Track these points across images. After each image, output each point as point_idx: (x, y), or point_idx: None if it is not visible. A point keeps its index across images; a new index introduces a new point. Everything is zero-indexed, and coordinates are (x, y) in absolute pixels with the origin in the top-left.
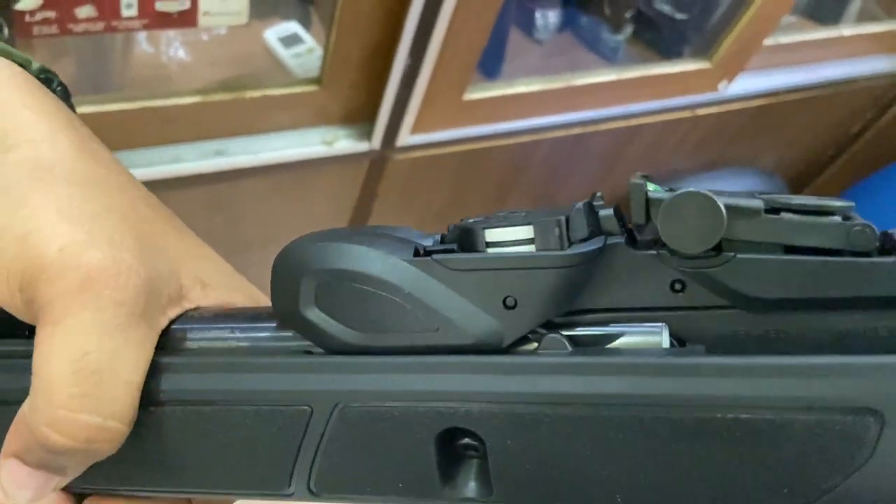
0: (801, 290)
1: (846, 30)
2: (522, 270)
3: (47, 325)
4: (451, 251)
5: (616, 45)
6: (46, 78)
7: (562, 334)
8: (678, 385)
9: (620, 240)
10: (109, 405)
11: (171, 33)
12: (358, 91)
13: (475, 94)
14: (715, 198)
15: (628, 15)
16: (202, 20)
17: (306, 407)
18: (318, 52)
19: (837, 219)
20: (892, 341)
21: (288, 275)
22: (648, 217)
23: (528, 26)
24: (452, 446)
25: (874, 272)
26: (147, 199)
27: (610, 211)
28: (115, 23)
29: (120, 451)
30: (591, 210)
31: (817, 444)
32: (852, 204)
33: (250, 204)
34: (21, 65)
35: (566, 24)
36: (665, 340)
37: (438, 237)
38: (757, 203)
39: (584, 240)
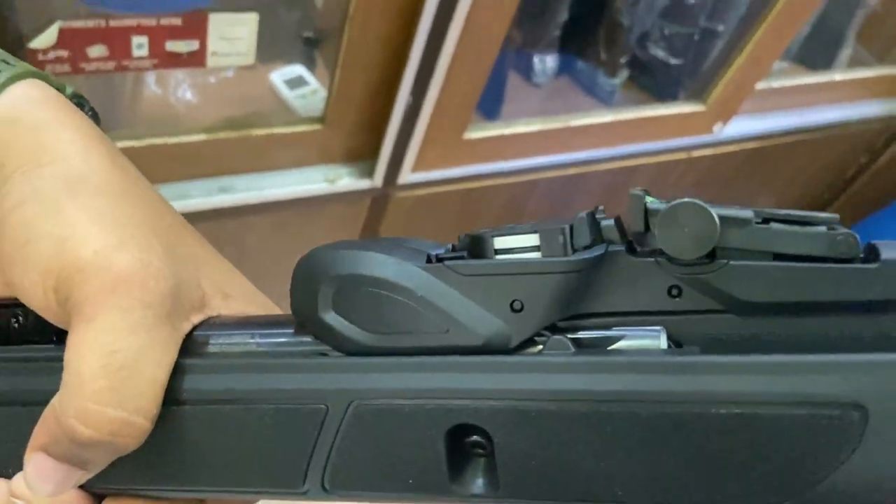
0: (789, 295)
1: (838, 75)
2: (529, 275)
3: (80, 323)
4: (462, 258)
5: (612, 88)
6: (79, 102)
7: (566, 337)
8: (675, 382)
9: (621, 248)
10: (134, 400)
11: (179, 76)
12: (360, 130)
13: (475, 134)
14: (708, 207)
15: (623, 60)
16: (210, 60)
17: (322, 405)
18: (322, 93)
19: (822, 228)
20: (877, 343)
21: (307, 281)
22: (647, 226)
23: (526, 71)
24: (461, 444)
25: (858, 277)
26: (171, 212)
27: (611, 221)
28: (126, 62)
29: (140, 450)
30: (593, 220)
31: (806, 437)
32: (836, 217)
33: (254, 240)
34: (56, 89)
35: (563, 68)
36: (663, 342)
37: (450, 246)
38: (747, 213)
39: (587, 247)
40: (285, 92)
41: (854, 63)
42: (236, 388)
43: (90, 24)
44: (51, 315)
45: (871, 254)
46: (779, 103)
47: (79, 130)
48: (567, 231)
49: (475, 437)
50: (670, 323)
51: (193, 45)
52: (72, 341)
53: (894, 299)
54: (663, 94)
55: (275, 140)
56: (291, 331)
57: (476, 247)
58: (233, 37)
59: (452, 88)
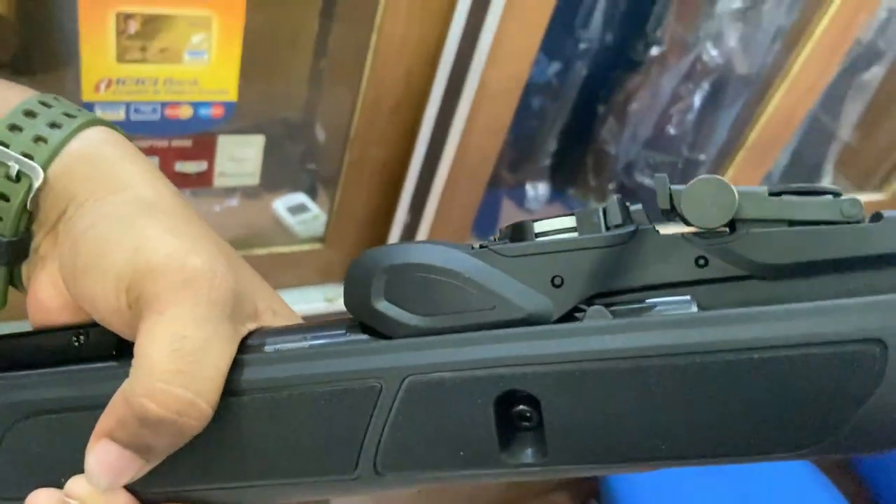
0: (807, 255)
1: None
2: (568, 252)
3: (152, 315)
4: (505, 243)
5: None
6: None
7: (604, 307)
8: (708, 333)
9: (650, 226)
10: (200, 384)
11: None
12: (360, 249)
13: None
14: (725, 180)
15: (612, 186)
16: (217, 181)
17: (376, 383)
18: (323, 218)
19: (829, 197)
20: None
21: (360, 274)
22: (672, 204)
23: (519, 198)
24: (509, 415)
25: (866, 234)
26: (224, 241)
27: (639, 206)
28: None
29: (193, 447)
30: (623, 204)
31: (833, 374)
32: (839, 188)
33: None
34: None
35: (555, 195)
36: (693, 309)
37: (491, 238)
38: (761, 188)
39: (619, 226)
40: (287, 218)
41: None
42: (292, 374)
43: None
44: (119, 319)
45: (876, 216)
46: None
47: (144, 166)
48: (601, 212)
49: (522, 407)
50: (699, 292)
51: (202, 165)
52: (143, 331)
53: None
54: (652, 217)
55: (276, 259)
56: (343, 331)
57: (517, 233)
58: (240, 157)
59: (448, 207)
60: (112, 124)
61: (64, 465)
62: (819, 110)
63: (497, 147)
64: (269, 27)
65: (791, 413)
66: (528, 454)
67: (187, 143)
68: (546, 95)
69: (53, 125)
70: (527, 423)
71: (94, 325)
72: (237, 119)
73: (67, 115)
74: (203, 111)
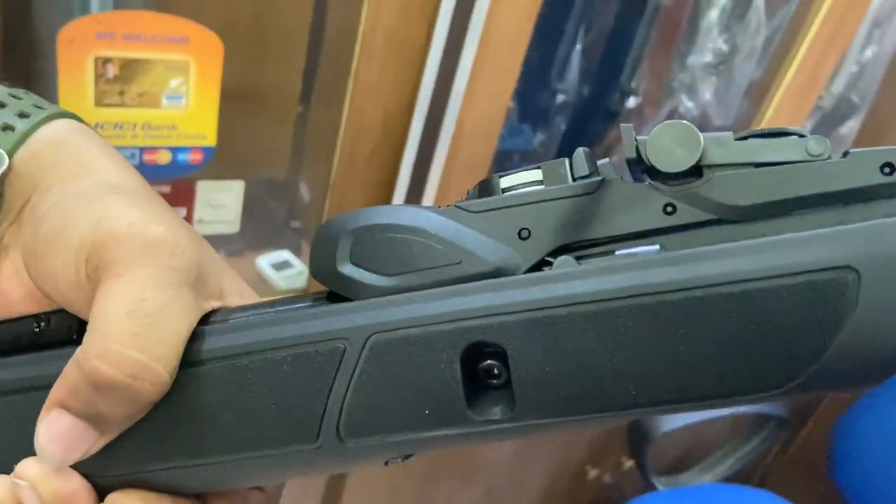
0: (774, 194)
1: None
2: (533, 205)
3: (109, 279)
4: (472, 200)
5: None
6: None
7: (572, 258)
8: (676, 272)
9: (616, 176)
10: (156, 347)
11: None
12: None
13: None
14: (690, 124)
15: None
16: (196, 227)
17: (340, 344)
18: (307, 272)
19: (794, 137)
20: None
21: (326, 240)
22: (638, 154)
23: None
24: (476, 372)
25: (833, 171)
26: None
27: (606, 160)
28: None
29: (152, 423)
30: (589, 156)
31: (807, 304)
32: (804, 131)
33: None
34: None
35: None
36: None
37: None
38: (727, 134)
39: (585, 177)
40: (271, 274)
41: None
42: (253, 341)
43: None
44: (78, 294)
45: (843, 154)
46: None
47: (112, 154)
48: (567, 164)
49: (490, 362)
50: (668, 240)
51: (181, 212)
52: (100, 294)
53: (867, 186)
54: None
55: None
56: (309, 302)
57: (484, 189)
58: (219, 204)
59: None
60: (80, 118)
61: (17, 449)
62: None
63: None
64: (249, 74)
65: (766, 348)
66: (497, 411)
67: (166, 188)
68: (528, 161)
69: (22, 115)
70: (495, 381)
71: (57, 311)
72: (216, 165)
73: (37, 106)
74: (182, 156)
